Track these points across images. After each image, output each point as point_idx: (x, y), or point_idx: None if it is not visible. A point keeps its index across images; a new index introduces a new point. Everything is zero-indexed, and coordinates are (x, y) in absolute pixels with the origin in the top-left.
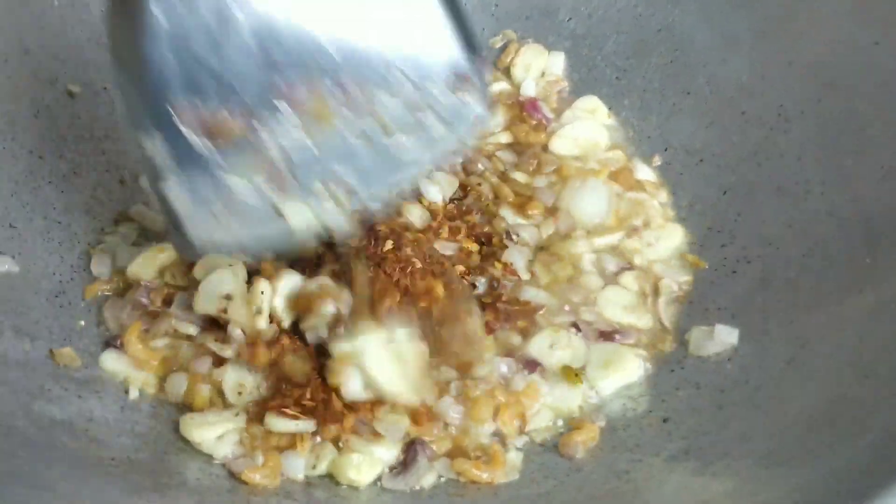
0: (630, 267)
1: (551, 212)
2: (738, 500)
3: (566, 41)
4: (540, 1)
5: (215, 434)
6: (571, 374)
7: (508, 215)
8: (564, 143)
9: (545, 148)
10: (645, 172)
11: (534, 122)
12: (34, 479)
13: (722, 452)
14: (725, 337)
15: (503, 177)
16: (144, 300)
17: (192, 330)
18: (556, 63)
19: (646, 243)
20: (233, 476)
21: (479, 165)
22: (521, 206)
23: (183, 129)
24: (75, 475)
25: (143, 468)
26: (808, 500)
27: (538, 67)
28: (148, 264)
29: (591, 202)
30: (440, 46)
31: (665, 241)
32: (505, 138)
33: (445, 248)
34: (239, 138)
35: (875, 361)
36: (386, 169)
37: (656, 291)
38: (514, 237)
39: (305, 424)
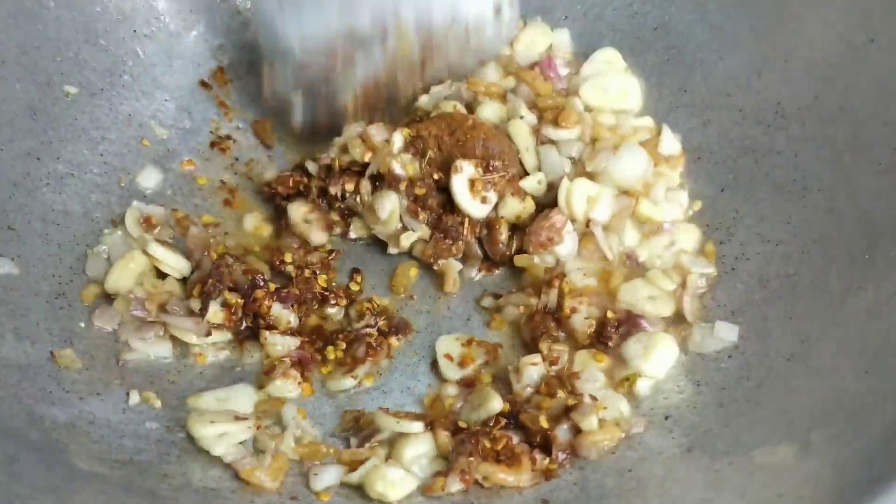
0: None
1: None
2: (741, 496)
3: None
4: None
5: (217, 432)
6: (631, 379)
7: (549, 131)
8: (594, 92)
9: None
10: (671, 144)
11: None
12: (36, 481)
13: (724, 450)
14: (726, 334)
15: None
16: (139, 313)
17: (193, 339)
18: (563, 38)
19: (671, 237)
20: (236, 477)
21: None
22: (554, 121)
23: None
24: (77, 477)
25: (146, 470)
26: (813, 495)
27: (543, 44)
28: (123, 276)
29: (627, 166)
30: None
31: (686, 233)
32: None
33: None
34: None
35: (876, 357)
36: None
37: (684, 285)
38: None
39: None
